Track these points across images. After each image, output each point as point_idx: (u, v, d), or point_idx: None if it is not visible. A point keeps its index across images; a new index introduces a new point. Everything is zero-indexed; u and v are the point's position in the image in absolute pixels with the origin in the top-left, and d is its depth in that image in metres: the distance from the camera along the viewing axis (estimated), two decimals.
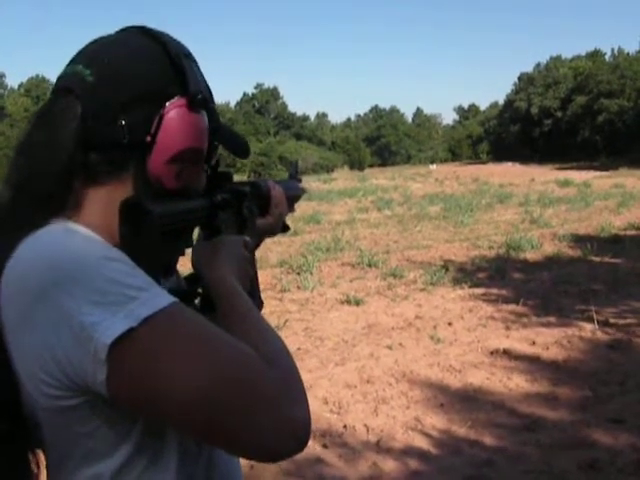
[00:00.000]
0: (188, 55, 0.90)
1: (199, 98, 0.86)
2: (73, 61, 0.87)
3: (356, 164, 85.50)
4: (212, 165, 0.97)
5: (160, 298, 0.73)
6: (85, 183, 0.83)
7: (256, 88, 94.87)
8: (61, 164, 0.81)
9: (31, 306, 0.72)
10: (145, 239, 0.78)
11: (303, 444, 0.76)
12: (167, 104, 0.85)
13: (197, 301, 0.94)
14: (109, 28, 0.92)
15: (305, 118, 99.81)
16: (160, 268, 0.82)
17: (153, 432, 0.79)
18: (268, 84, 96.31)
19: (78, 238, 0.77)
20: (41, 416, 0.77)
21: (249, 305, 0.88)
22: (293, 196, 1.25)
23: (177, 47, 0.89)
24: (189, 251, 0.97)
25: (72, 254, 0.74)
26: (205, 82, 0.92)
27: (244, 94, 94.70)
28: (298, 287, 8.15)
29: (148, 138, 0.83)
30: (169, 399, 0.70)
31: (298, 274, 8.88)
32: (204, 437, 0.75)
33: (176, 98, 0.85)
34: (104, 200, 0.83)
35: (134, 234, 0.78)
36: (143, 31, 0.89)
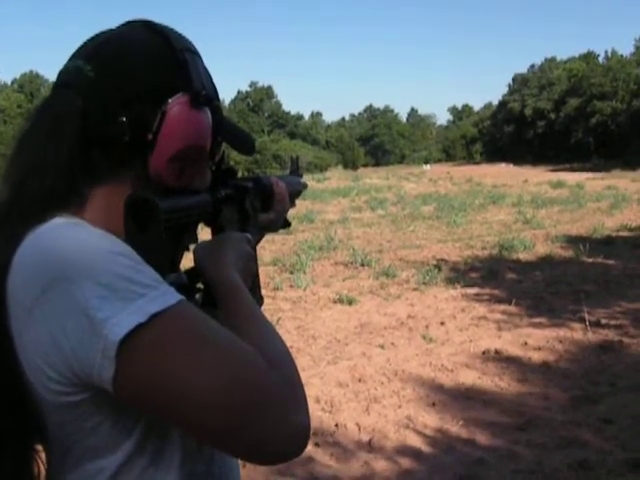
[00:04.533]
0: (192, 50, 0.89)
1: (202, 95, 0.85)
2: (74, 56, 0.85)
3: (350, 163, 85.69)
4: (216, 161, 0.96)
5: (168, 296, 0.72)
6: (87, 181, 0.82)
7: (250, 86, 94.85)
8: (64, 158, 0.80)
9: (38, 299, 0.71)
10: (151, 234, 0.77)
11: (303, 447, 0.75)
12: (169, 101, 0.83)
13: (198, 295, 0.93)
14: (104, 25, 0.90)
15: (299, 117, 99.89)
16: (165, 264, 0.82)
17: (156, 429, 0.78)
18: (262, 82, 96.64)
19: (87, 232, 0.76)
20: (45, 411, 0.76)
21: (252, 305, 0.87)
22: (295, 191, 1.25)
23: (181, 41, 0.87)
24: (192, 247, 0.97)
25: (82, 248, 0.72)
26: (210, 78, 0.91)
27: (238, 92, 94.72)
28: (291, 285, 8.15)
29: (149, 136, 0.82)
30: (176, 398, 0.69)
31: (291, 272, 8.87)
32: (208, 437, 0.73)
33: (179, 95, 0.84)
34: (106, 198, 0.83)
35: (140, 229, 0.77)
36: (146, 25, 0.87)
